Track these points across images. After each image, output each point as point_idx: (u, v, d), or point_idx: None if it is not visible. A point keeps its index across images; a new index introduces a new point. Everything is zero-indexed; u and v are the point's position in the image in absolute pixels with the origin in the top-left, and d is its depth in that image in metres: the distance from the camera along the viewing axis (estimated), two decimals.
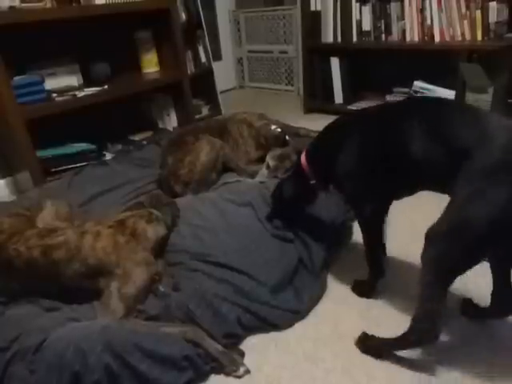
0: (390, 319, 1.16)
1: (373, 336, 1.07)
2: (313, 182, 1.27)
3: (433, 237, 0.90)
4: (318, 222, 1.47)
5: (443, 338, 1.03)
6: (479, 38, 2.31)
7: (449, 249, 0.87)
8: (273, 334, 1.15)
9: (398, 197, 1.15)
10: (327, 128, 1.25)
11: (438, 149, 0.91)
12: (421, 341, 0.97)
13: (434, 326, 0.92)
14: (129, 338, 0.91)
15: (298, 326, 1.17)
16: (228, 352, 1.04)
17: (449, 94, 2.45)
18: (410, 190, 1.10)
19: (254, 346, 1.12)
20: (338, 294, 1.28)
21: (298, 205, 1.40)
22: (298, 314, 1.20)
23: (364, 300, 1.24)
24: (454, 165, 0.87)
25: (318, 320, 1.19)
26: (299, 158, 1.30)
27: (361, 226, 1.22)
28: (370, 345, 1.07)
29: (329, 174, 1.20)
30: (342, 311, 1.21)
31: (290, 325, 1.17)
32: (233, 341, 1.09)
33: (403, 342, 0.99)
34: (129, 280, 1.14)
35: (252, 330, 1.14)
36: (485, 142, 0.85)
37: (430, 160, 0.93)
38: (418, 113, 0.99)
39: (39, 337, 0.96)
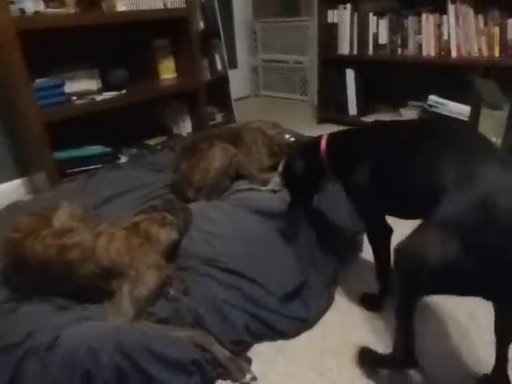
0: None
1: (371, 351, 1.06)
2: (328, 170, 1.22)
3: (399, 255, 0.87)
4: (330, 232, 1.48)
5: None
6: (496, 54, 2.30)
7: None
8: (280, 343, 1.15)
9: (402, 217, 1.09)
10: (356, 131, 1.21)
11: (424, 180, 0.89)
12: (402, 367, 0.97)
13: (409, 355, 0.92)
14: (139, 340, 0.92)
15: (305, 336, 1.18)
16: (235, 358, 1.05)
17: (464, 109, 2.45)
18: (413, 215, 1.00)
19: (261, 353, 1.12)
20: (346, 305, 1.28)
21: (307, 186, 1.34)
22: (306, 322, 1.20)
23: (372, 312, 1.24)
24: (433, 199, 0.83)
25: (326, 330, 1.19)
26: (318, 142, 1.23)
27: (368, 236, 1.22)
28: (366, 359, 1.06)
29: (343, 177, 1.18)
30: (350, 322, 1.21)
31: (297, 333, 1.18)
32: (240, 347, 1.10)
33: (391, 363, 0.99)
34: (140, 282, 1.15)
35: (260, 337, 1.15)
36: (462, 189, 0.80)
37: (418, 190, 0.91)
38: (426, 139, 0.96)
39: (52, 334, 0.98)
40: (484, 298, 0.82)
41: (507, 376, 0.93)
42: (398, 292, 0.89)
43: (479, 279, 0.75)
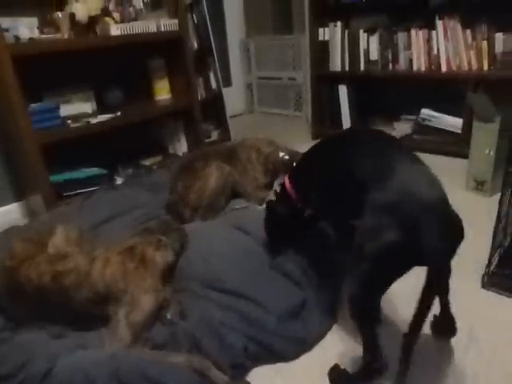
0: (398, 350, 1.14)
1: (342, 370, 1.06)
2: (299, 205, 1.29)
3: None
4: (328, 258, 1.46)
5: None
6: (486, 67, 2.34)
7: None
8: (279, 366, 1.14)
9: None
10: (302, 156, 1.31)
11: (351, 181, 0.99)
12: (372, 374, 0.97)
13: (375, 359, 0.95)
14: (136, 367, 0.91)
15: (305, 359, 1.16)
16: (234, 383, 1.04)
17: (456, 121, 2.48)
18: None
19: (260, 376, 1.11)
20: (345, 328, 1.26)
21: (289, 231, 1.39)
22: (305, 343, 1.19)
23: None
24: (361, 198, 0.92)
25: (325, 353, 1.17)
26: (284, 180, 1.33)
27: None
28: (337, 376, 1.06)
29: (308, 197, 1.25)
30: (349, 346, 1.19)
31: (296, 356, 1.16)
32: (239, 371, 1.08)
33: (363, 375, 1.00)
34: (137, 307, 1.14)
35: (258, 359, 1.14)
36: (381, 181, 0.89)
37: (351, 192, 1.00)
38: (350, 144, 1.09)
39: (47, 364, 0.97)
40: (420, 265, 0.88)
41: (451, 314, 1.10)
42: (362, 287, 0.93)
43: (413, 251, 0.83)
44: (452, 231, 0.85)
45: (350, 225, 1.12)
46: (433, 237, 0.81)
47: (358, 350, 1.16)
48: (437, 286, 0.94)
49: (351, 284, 0.94)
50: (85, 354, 0.99)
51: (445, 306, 1.09)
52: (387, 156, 0.95)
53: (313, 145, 1.27)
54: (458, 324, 1.18)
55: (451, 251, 0.86)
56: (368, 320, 0.95)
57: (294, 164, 1.38)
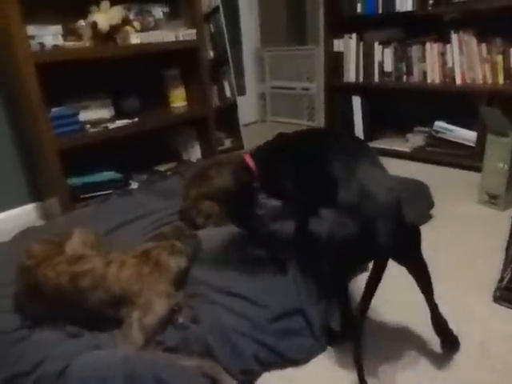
0: (408, 361, 1.14)
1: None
2: (257, 184, 1.34)
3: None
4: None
5: None
6: (501, 81, 2.34)
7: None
8: (289, 372, 1.14)
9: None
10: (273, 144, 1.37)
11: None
12: (355, 329, 1.06)
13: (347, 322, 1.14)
14: (148, 369, 0.93)
15: (314, 366, 1.16)
16: None
17: (470, 135, 2.47)
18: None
19: (269, 383, 1.11)
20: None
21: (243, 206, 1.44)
22: (314, 347, 1.19)
23: (382, 344, 1.23)
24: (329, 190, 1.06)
25: (334, 362, 1.17)
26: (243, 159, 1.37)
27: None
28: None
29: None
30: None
31: (306, 361, 1.17)
32: (249, 377, 1.09)
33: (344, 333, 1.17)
34: (150, 311, 1.17)
35: (268, 365, 1.14)
36: (346, 180, 1.03)
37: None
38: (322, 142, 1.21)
39: (63, 363, 0.99)
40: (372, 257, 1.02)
41: (441, 315, 1.14)
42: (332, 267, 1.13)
43: (367, 245, 0.97)
44: (402, 233, 0.98)
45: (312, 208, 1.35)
46: (382, 235, 0.94)
47: (368, 357, 1.17)
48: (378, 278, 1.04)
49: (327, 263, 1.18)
50: (99, 354, 1.01)
51: (432, 308, 1.12)
52: (353, 157, 1.09)
53: (278, 133, 1.37)
54: (470, 339, 1.17)
55: (396, 250, 0.99)
56: (339, 289, 1.16)
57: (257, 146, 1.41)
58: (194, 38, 2.47)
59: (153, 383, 0.92)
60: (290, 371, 1.15)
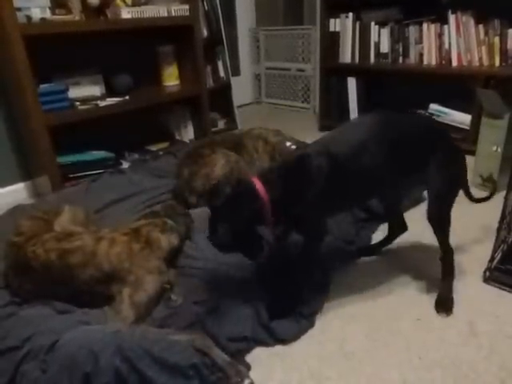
0: (398, 339, 1.15)
1: None
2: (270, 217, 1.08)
3: None
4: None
5: None
6: (497, 63, 2.32)
7: None
8: (278, 349, 1.15)
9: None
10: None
11: None
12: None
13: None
14: (139, 343, 0.93)
15: (304, 343, 1.17)
16: (235, 363, 1.05)
17: (465, 118, 2.46)
18: None
19: (260, 360, 1.12)
20: (345, 312, 1.27)
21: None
22: (303, 323, 1.20)
23: (372, 319, 1.24)
24: None
25: (324, 337, 1.19)
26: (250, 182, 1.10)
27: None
28: None
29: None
30: (349, 329, 1.20)
31: (297, 337, 1.17)
32: (239, 345, 1.10)
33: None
34: (140, 287, 1.16)
35: (259, 341, 1.15)
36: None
37: None
38: None
39: (52, 337, 0.98)
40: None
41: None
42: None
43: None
44: None
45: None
46: None
47: (358, 333, 1.18)
48: None
49: None
50: (89, 329, 1.00)
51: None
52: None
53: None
54: (459, 318, 1.19)
55: None
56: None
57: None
58: (187, 13, 2.41)
59: (144, 357, 0.91)
60: (280, 347, 1.16)
